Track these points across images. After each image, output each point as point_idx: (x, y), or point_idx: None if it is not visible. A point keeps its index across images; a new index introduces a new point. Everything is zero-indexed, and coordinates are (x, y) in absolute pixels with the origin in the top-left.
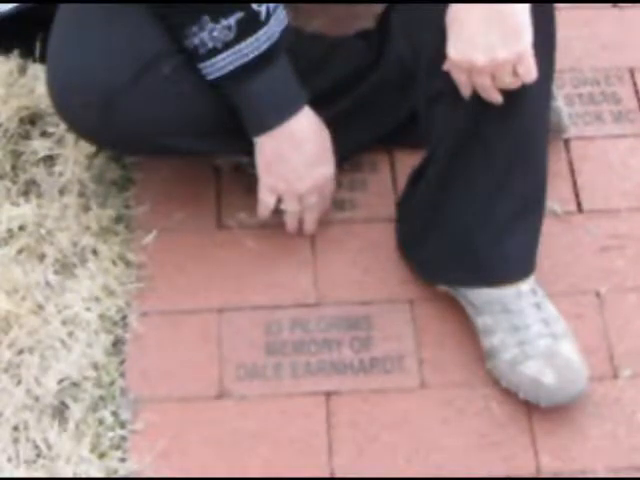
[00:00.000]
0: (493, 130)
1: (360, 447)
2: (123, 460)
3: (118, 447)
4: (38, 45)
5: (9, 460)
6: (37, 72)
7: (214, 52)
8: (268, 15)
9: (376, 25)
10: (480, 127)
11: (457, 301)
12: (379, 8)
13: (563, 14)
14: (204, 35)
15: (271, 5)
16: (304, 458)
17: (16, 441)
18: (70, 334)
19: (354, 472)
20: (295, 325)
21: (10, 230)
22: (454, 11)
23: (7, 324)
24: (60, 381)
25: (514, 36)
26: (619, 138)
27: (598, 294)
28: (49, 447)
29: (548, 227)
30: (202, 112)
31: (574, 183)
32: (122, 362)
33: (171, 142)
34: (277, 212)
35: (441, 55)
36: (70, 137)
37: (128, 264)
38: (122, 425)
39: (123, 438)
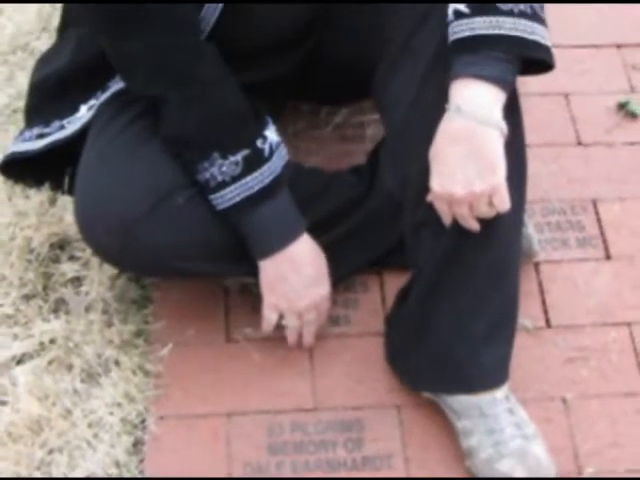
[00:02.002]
0: (472, 254)
1: None
2: None
3: None
4: (67, 179)
5: None
6: (66, 203)
7: (223, 185)
8: (271, 152)
9: (367, 161)
10: (460, 252)
11: (439, 406)
12: (369, 146)
13: (534, 151)
14: (214, 170)
15: (274, 143)
16: None
17: None
18: (95, 436)
19: None
20: (295, 428)
21: (42, 343)
22: (436, 149)
23: (39, 427)
24: (86, 478)
25: (490, 171)
26: (583, 262)
27: (564, 400)
28: None
29: (520, 340)
30: (212, 238)
31: (543, 301)
32: (141, 461)
33: (185, 265)
34: (279, 327)
35: (425, 188)
36: (95, 260)
37: (147, 374)
38: None
39: None
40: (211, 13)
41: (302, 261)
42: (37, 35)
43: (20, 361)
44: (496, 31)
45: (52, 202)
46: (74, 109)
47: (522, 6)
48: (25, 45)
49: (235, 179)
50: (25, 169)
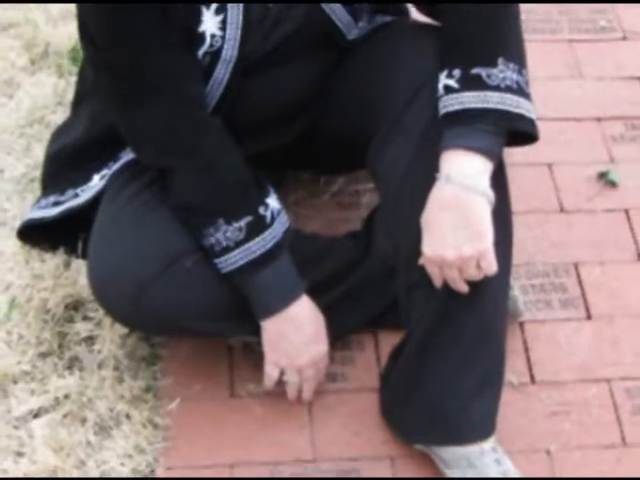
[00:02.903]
0: (461, 314)
1: None
2: None
3: None
4: (80, 244)
5: None
6: (80, 266)
7: (227, 250)
8: (272, 218)
9: (362, 227)
10: (450, 312)
11: (430, 457)
12: (365, 213)
13: (519, 217)
14: (219, 235)
15: (275, 210)
16: None
17: None
18: None
19: None
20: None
21: (57, 398)
22: (428, 215)
23: (55, 477)
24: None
25: (478, 236)
26: (566, 321)
27: (548, 452)
28: None
29: (506, 395)
30: (217, 300)
31: (528, 359)
32: None
33: (192, 325)
34: (280, 383)
35: (417, 252)
36: (107, 320)
37: (156, 427)
38: None
39: None
40: (216, 88)
41: (302, 321)
42: (53, 109)
43: (37, 415)
44: (484, 105)
45: (67, 265)
46: (87, 178)
47: (508, 81)
48: (41, 118)
49: (238, 244)
50: (41, 234)
